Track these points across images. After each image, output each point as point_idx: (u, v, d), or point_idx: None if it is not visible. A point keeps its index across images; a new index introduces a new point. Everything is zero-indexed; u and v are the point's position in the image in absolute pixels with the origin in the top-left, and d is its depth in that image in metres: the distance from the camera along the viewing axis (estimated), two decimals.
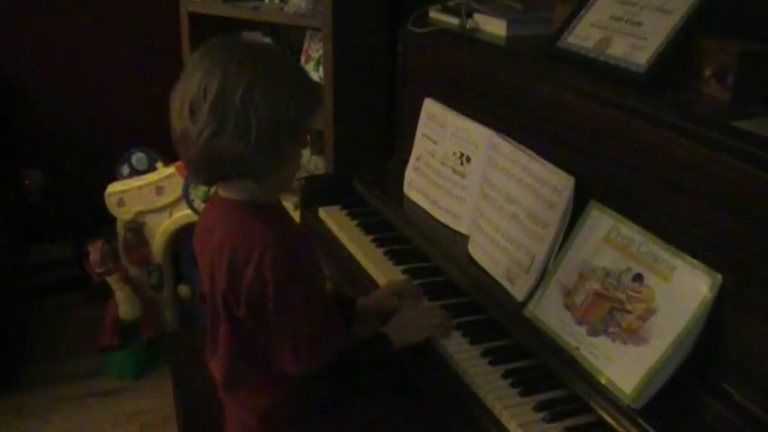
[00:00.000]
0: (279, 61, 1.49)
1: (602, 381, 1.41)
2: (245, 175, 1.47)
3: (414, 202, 2.17)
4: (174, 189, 2.88)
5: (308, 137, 1.56)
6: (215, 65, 1.41)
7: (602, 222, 1.54)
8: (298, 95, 1.46)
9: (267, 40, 3.21)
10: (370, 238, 2.13)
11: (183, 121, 1.42)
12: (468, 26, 2.13)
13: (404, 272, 1.95)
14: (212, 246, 1.53)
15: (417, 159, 2.18)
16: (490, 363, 1.60)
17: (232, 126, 1.39)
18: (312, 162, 3.09)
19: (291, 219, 1.64)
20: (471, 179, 1.97)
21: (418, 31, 2.22)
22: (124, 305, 2.96)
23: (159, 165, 3.05)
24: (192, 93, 1.40)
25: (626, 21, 1.66)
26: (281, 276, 1.44)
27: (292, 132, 1.47)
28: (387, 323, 1.70)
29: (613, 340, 1.43)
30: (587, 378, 1.44)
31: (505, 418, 1.45)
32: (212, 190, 2.73)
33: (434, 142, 2.11)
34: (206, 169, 1.46)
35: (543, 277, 1.63)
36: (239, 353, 1.55)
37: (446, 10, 2.25)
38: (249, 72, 1.41)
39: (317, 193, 2.31)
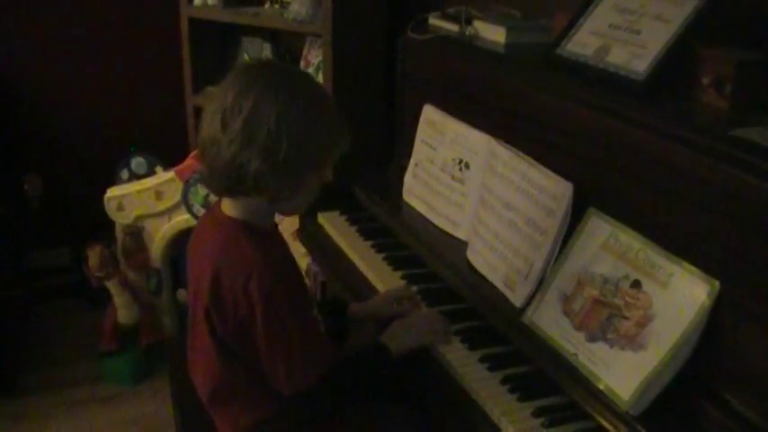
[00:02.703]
0: (316, 93, 1.52)
1: (601, 387, 1.42)
2: (263, 194, 1.48)
3: (413, 208, 2.17)
4: (174, 194, 2.89)
5: (330, 172, 1.58)
6: (254, 83, 1.43)
7: (600, 229, 1.55)
8: (328, 129, 1.49)
9: (267, 45, 3.22)
10: (369, 243, 2.14)
11: (214, 130, 1.43)
12: (467, 33, 2.14)
13: (402, 278, 1.96)
14: (201, 259, 1.54)
15: (416, 166, 2.19)
16: (489, 369, 1.60)
17: (260, 144, 1.41)
18: None
19: (284, 244, 1.66)
20: (470, 186, 1.97)
21: (418, 37, 2.23)
22: (123, 310, 2.96)
23: (158, 169, 3.06)
24: (226, 104, 1.42)
25: (625, 29, 1.67)
26: (269, 300, 1.45)
27: (316, 162, 1.50)
28: (384, 330, 1.71)
29: (611, 346, 1.44)
30: (585, 384, 1.45)
31: (504, 424, 1.45)
32: (212, 195, 2.75)
33: (433, 149, 2.12)
34: (227, 180, 1.46)
35: (542, 284, 1.63)
36: (221, 368, 1.54)
37: (445, 17, 2.26)
38: (287, 97, 1.43)
39: (316, 198, 2.31)
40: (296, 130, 1.43)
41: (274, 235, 1.63)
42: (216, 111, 1.43)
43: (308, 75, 1.63)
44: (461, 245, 1.95)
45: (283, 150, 1.42)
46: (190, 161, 2.86)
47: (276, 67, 1.54)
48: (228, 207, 1.55)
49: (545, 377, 1.55)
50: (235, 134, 1.41)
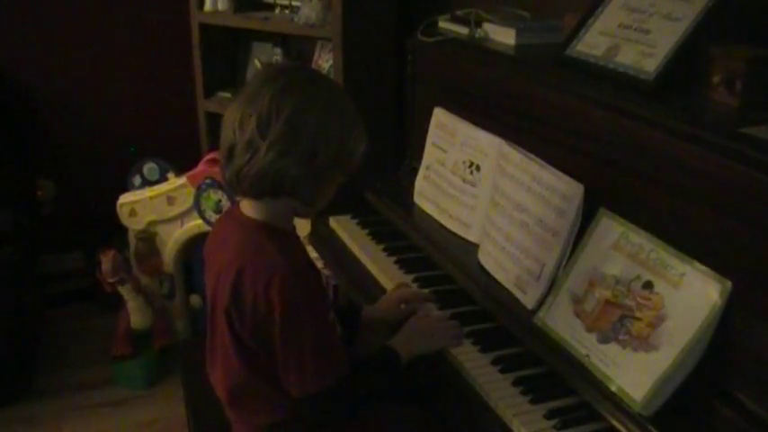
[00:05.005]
0: (344, 95, 1.53)
1: (613, 388, 1.41)
2: (296, 198, 1.49)
3: (424, 211, 2.17)
4: (186, 199, 2.90)
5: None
6: (289, 85, 1.43)
7: (611, 230, 1.54)
8: (358, 132, 1.50)
9: (277, 50, 3.23)
10: (381, 247, 2.14)
11: (247, 134, 1.41)
12: (476, 35, 2.14)
13: (414, 280, 1.96)
14: (221, 260, 1.54)
15: (427, 168, 2.19)
16: (501, 371, 1.60)
17: (302, 149, 1.41)
18: None
19: (303, 247, 1.65)
20: (481, 188, 1.97)
21: (427, 40, 2.23)
22: (136, 315, 2.97)
23: (171, 175, 3.07)
24: (261, 108, 1.40)
25: (634, 29, 1.67)
26: (289, 302, 1.44)
27: (347, 165, 1.51)
28: (394, 335, 1.70)
29: (623, 347, 1.43)
30: (598, 385, 1.44)
31: (516, 426, 1.45)
32: (224, 201, 2.76)
33: (444, 151, 2.12)
34: (261, 185, 1.45)
35: (553, 285, 1.63)
36: (240, 368, 1.54)
37: (455, 19, 2.26)
38: (323, 100, 1.44)
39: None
40: (333, 136, 1.44)
41: (294, 236, 1.63)
42: (248, 115, 1.41)
43: (330, 78, 1.62)
44: (473, 247, 1.95)
45: (321, 156, 1.43)
46: (202, 167, 2.87)
47: (305, 72, 1.53)
48: (249, 208, 1.54)
49: (557, 379, 1.55)
50: (274, 139, 1.40)
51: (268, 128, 1.40)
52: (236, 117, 1.43)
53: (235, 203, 1.59)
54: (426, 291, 1.90)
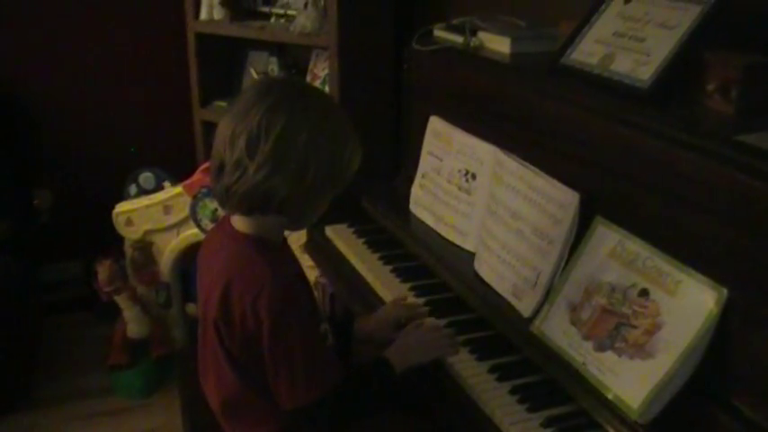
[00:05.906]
0: (338, 111, 1.52)
1: (610, 396, 1.41)
2: (285, 215, 1.49)
3: (420, 220, 2.17)
4: (182, 208, 2.89)
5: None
6: (280, 103, 1.42)
7: (607, 238, 1.54)
8: (351, 148, 1.49)
9: (273, 59, 3.23)
10: (377, 255, 2.14)
11: (238, 153, 1.40)
12: (472, 44, 2.14)
13: (410, 289, 1.96)
14: (212, 271, 1.54)
15: (423, 177, 2.19)
16: (497, 379, 1.60)
17: (291, 167, 1.41)
18: None
19: (294, 259, 1.65)
20: (477, 196, 1.97)
21: (423, 49, 2.23)
22: (133, 324, 2.97)
23: (167, 184, 3.07)
24: (251, 126, 1.39)
25: (629, 37, 1.67)
26: (277, 317, 1.44)
27: (339, 181, 1.50)
28: (389, 346, 1.70)
29: (620, 355, 1.43)
30: (595, 393, 1.44)
31: None
32: (220, 210, 2.76)
33: (440, 159, 2.12)
34: (250, 203, 1.45)
35: (549, 293, 1.63)
36: (232, 380, 1.54)
37: (450, 28, 2.26)
38: (314, 117, 1.43)
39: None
40: (323, 154, 1.43)
41: (285, 249, 1.63)
42: (238, 132, 1.40)
43: (325, 94, 1.61)
44: (469, 255, 1.95)
45: (311, 174, 1.42)
46: (198, 176, 2.87)
47: (298, 88, 1.53)
48: (239, 222, 1.54)
49: (554, 387, 1.55)
50: (263, 160, 1.39)
51: (257, 148, 1.39)
52: (226, 133, 1.43)
53: (226, 215, 1.59)
54: (422, 305, 1.89)
